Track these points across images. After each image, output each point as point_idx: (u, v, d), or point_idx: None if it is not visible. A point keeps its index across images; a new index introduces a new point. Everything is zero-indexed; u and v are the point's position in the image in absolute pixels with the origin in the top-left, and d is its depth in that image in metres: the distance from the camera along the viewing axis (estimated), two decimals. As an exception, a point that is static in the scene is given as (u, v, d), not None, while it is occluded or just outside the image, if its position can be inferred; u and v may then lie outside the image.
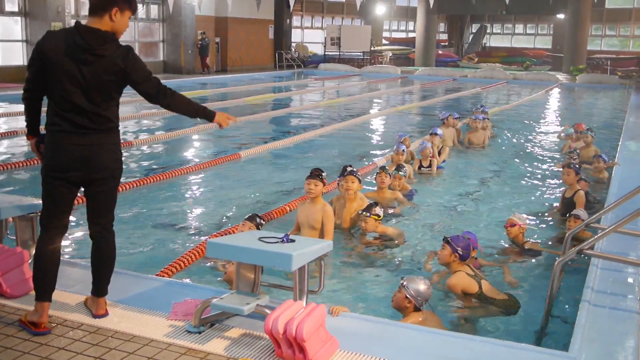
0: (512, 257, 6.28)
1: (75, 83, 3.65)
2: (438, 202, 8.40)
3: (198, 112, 4.06)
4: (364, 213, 6.51)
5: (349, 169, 6.88)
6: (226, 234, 6.24)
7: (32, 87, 3.77)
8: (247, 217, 5.83)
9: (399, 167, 8.42)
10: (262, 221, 5.82)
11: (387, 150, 11.45)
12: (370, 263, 6.12)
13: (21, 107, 4.00)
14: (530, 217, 7.46)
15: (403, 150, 9.14)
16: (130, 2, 3.76)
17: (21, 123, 3.64)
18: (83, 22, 3.76)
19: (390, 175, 7.92)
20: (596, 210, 7.18)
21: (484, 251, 6.09)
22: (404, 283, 4.50)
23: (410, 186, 8.68)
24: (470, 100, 22.01)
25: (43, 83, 3.72)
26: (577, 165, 7.54)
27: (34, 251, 4.75)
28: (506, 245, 6.54)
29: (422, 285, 4.47)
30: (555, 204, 8.17)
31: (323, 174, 6.33)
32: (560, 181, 8.97)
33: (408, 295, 4.43)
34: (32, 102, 3.84)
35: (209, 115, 4.08)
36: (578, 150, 10.20)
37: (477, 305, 5.01)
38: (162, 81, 3.92)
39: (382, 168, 7.97)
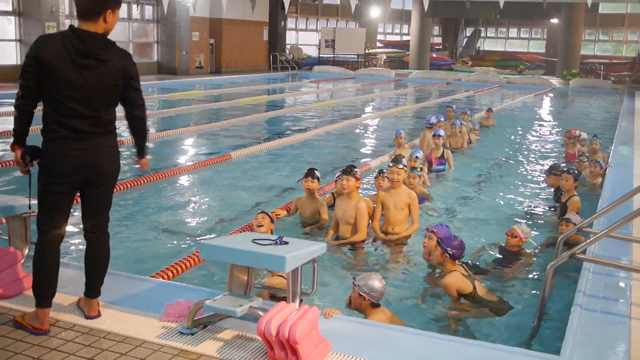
0: (504, 260, 6.29)
1: (77, 89, 3.61)
2: (438, 205, 8.39)
3: (145, 141, 4.07)
4: (392, 164, 6.68)
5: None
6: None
7: (27, 94, 3.65)
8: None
9: (413, 168, 8.12)
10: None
11: (381, 152, 11.46)
12: (365, 266, 6.12)
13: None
14: (522, 220, 7.47)
15: (416, 157, 8.88)
16: (118, 0, 3.76)
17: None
18: (75, 22, 3.74)
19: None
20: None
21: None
22: (358, 283, 4.47)
23: (427, 190, 8.54)
24: (463, 104, 22.05)
25: (38, 90, 3.64)
26: (576, 172, 7.61)
27: (26, 251, 4.76)
28: (498, 249, 6.56)
29: (375, 282, 4.46)
30: (551, 208, 8.25)
31: (316, 173, 6.54)
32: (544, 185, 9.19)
33: (362, 294, 4.42)
34: (26, 110, 3.71)
35: (145, 152, 4.09)
36: (587, 154, 10.21)
37: (469, 307, 5.02)
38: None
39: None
